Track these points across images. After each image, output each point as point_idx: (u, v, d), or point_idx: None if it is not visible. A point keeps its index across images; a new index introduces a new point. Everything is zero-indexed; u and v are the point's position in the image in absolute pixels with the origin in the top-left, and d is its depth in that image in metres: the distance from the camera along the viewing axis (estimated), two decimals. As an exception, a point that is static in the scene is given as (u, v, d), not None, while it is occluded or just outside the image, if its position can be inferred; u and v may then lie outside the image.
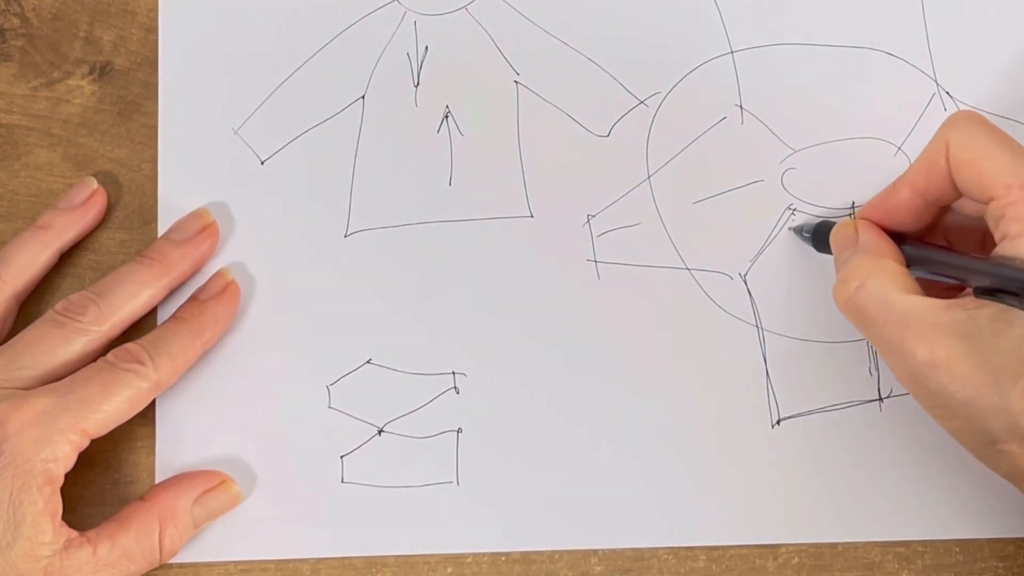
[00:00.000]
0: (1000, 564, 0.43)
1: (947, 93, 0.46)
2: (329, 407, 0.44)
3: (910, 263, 0.40)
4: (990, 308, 0.36)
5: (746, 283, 0.45)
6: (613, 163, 0.46)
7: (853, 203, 0.45)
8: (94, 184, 0.45)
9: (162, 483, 0.43)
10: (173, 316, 0.43)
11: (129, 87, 0.47)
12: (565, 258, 0.45)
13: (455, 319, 0.45)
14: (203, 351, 0.43)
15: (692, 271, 0.45)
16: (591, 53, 0.46)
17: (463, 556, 0.43)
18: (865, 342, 0.44)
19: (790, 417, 0.44)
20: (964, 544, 0.43)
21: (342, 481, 0.44)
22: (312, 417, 0.44)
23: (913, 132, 0.45)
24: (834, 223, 0.43)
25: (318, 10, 0.47)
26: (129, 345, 0.42)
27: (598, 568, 0.43)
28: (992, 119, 0.45)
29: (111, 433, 0.41)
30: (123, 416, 0.41)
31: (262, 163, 0.46)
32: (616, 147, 0.46)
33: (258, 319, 0.45)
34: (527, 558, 0.43)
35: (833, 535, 0.43)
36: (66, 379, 0.41)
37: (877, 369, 0.44)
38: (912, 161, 0.42)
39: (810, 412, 0.44)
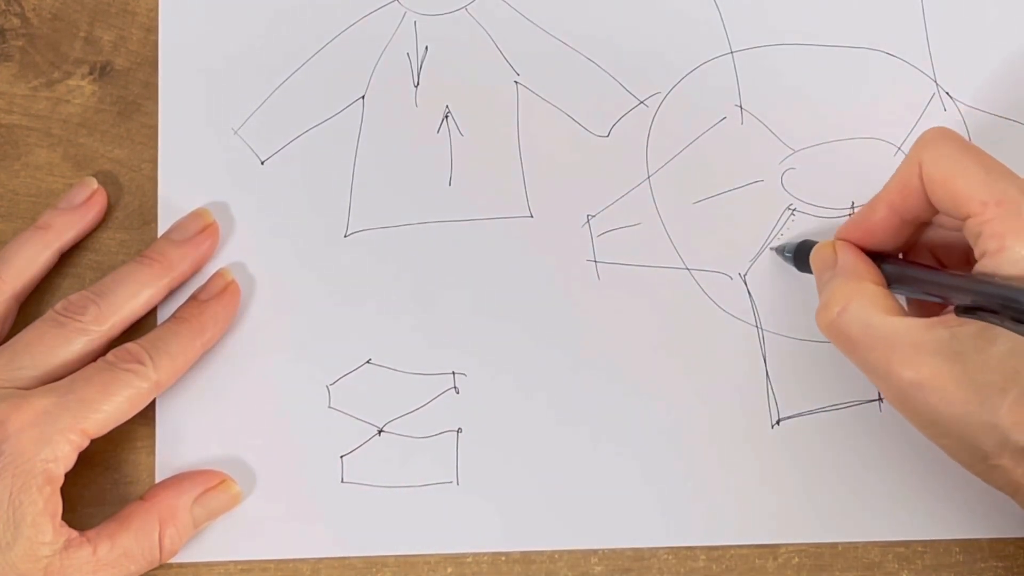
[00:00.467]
0: (1000, 564, 0.43)
1: (947, 93, 0.46)
2: (329, 407, 0.44)
3: (891, 282, 0.39)
4: (972, 325, 0.36)
5: (746, 283, 0.45)
6: (613, 163, 0.46)
7: (852, 203, 0.45)
8: (94, 184, 0.45)
9: (162, 483, 0.43)
10: (173, 316, 0.43)
11: (129, 87, 0.47)
12: (565, 258, 0.45)
13: (455, 319, 0.45)
14: (203, 351, 0.43)
15: (692, 271, 0.45)
16: (591, 53, 0.46)
17: (463, 556, 0.43)
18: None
19: (790, 417, 0.44)
20: (964, 544, 0.43)
21: (342, 481, 0.44)
22: (312, 417, 0.44)
23: (913, 132, 0.45)
24: (814, 243, 0.42)
25: (318, 10, 0.47)
26: (129, 345, 0.42)
27: (598, 568, 0.43)
28: (992, 119, 0.45)
29: (111, 433, 0.41)
30: (123, 416, 0.41)
31: (262, 163, 0.46)
32: (616, 147, 0.46)
33: (258, 319, 0.45)
34: (527, 558, 0.43)
35: (833, 535, 0.43)
36: (66, 379, 0.41)
37: (877, 369, 0.44)
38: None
39: (810, 412, 0.44)
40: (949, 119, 0.46)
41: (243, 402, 0.44)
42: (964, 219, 0.37)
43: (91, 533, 0.40)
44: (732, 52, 0.46)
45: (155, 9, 0.47)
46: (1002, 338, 0.35)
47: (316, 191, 0.46)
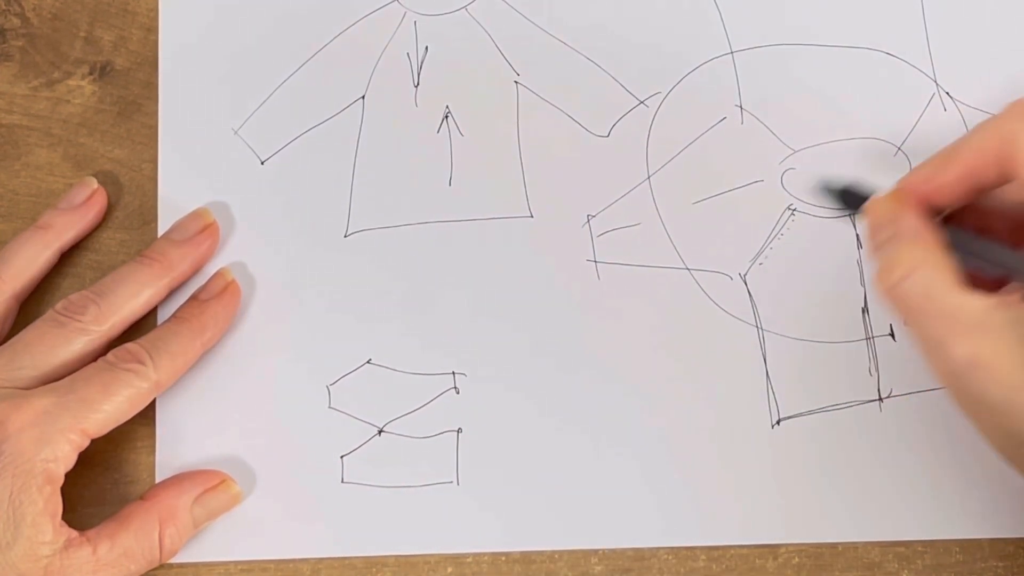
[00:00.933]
0: (1000, 564, 0.43)
1: (947, 93, 0.46)
2: (329, 407, 0.44)
3: (949, 246, 0.38)
4: None
5: (746, 283, 0.45)
6: (613, 163, 0.46)
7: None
8: (94, 184, 0.45)
9: (162, 483, 0.43)
10: (173, 316, 0.43)
11: (129, 87, 0.47)
12: (565, 258, 0.45)
13: (455, 319, 0.45)
14: (203, 351, 0.43)
15: (692, 271, 0.45)
16: (591, 53, 0.46)
17: (463, 556, 0.43)
18: (865, 342, 0.44)
19: (790, 417, 0.44)
20: (964, 544, 0.43)
21: (342, 481, 0.44)
22: (312, 417, 0.44)
23: (913, 132, 0.45)
24: (868, 188, 0.40)
25: (318, 10, 0.47)
26: (129, 345, 0.42)
27: (598, 568, 0.43)
28: (992, 119, 0.45)
29: (111, 433, 0.41)
30: (123, 416, 0.41)
31: (262, 163, 0.46)
32: (616, 147, 0.46)
33: (258, 319, 0.45)
34: (527, 558, 0.43)
35: (833, 535, 0.43)
36: (66, 379, 0.41)
37: (877, 369, 0.44)
38: (932, 153, 0.40)
39: (810, 412, 0.44)
40: (949, 119, 0.46)
41: (243, 402, 0.44)
42: None
43: (91, 533, 0.40)
44: (732, 52, 0.46)
45: (155, 9, 0.47)
46: None
47: (316, 191, 0.46)
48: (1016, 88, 0.46)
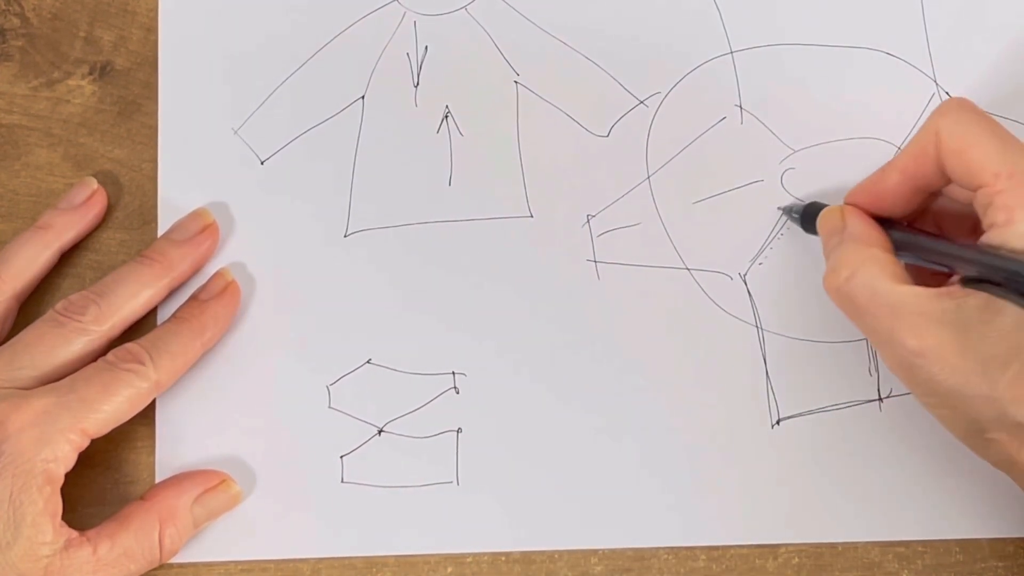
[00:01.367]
0: (1000, 564, 0.43)
1: (947, 93, 0.46)
2: (329, 407, 0.44)
3: (898, 249, 0.40)
4: (978, 297, 0.36)
5: (746, 283, 0.45)
6: (613, 163, 0.46)
7: None
8: (94, 184, 0.45)
9: (162, 483, 0.43)
10: (173, 316, 0.43)
11: (129, 87, 0.47)
12: (565, 258, 0.45)
13: (455, 319, 0.45)
14: (203, 351, 0.43)
15: (692, 271, 0.45)
16: (591, 53, 0.46)
17: (463, 556, 0.43)
18: (865, 342, 0.44)
19: (790, 417, 0.44)
20: (964, 544, 0.43)
21: (342, 481, 0.44)
22: (312, 417, 0.44)
23: (913, 132, 0.45)
24: (823, 205, 0.42)
25: (318, 10, 0.47)
26: (129, 345, 0.42)
27: (598, 568, 0.43)
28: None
29: (111, 433, 0.41)
30: (123, 416, 0.41)
31: (262, 163, 0.46)
32: (616, 147, 0.46)
33: (258, 319, 0.45)
34: (527, 558, 0.43)
35: (833, 535, 0.43)
36: (66, 379, 0.41)
37: (877, 369, 0.44)
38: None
39: (810, 412, 0.44)
40: (949, 119, 0.46)
41: (243, 402, 0.44)
42: (976, 189, 0.37)
43: (91, 533, 0.40)
44: (732, 52, 0.46)
45: (155, 9, 0.47)
46: (1007, 312, 0.35)
47: (316, 191, 0.46)
48: (1016, 88, 0.46)
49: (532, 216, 0.45)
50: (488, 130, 0.46)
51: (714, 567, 0.43)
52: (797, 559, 0.43)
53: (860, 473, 0.43)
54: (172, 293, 0.44)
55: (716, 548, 0.43)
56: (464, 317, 0.45)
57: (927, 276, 0.41)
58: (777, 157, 0.46)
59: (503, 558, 0.43)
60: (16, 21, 0.47)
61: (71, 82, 0.47)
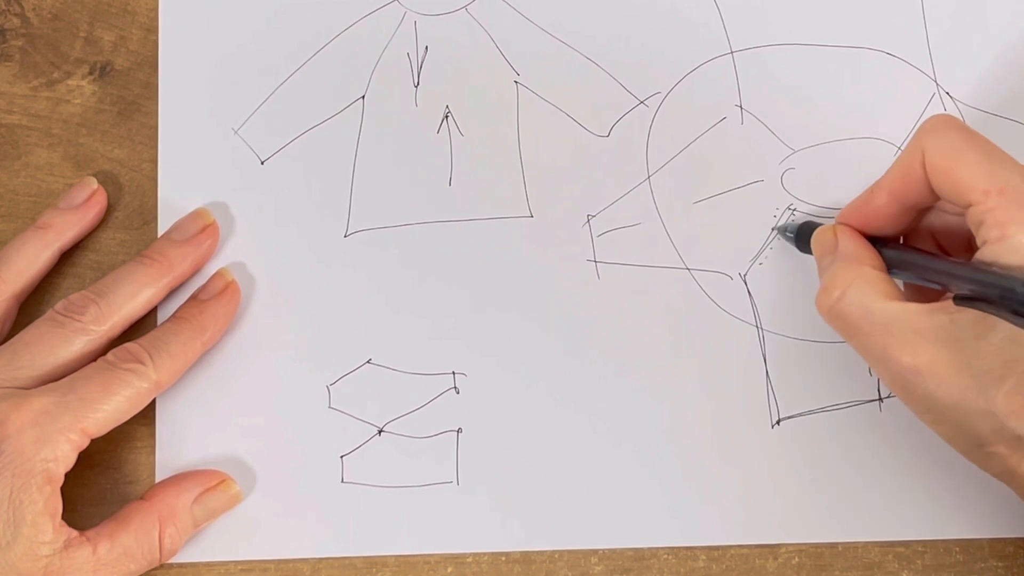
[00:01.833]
0: (1000, 564, 0.43)
1: (947, 93, 0.46)
2: (329, 407, 0.44)
3: (891, 267, 0.40)
4: (972, 312, 0.36)
5: (746, 283, 0.45)
6: (613, 163, 0.46)
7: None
8: (94, 184, 0.45)
9: (162, 482, 0.43)
10: (173, 316, 0.43)
11: (129, 87, 0.47)
12: (565, 258, 0.45)
13: (455, 319, 0.45)
14: (203, 351, 0.43)
15: (692, 271, 0.45)
16: (591, 53, 0.46)
17: (463, 556, 0.43)
18: (865, 342, 0.44)
19: (790, 417, 0.44)
20: (964, 544, 0.43)
21: (342, 481, 0.44)
22: (312, 417, 0.44)
23: (913, 132, 0.45)
24: (817, 224, 0.42)
25: (318, 10, 0.47)
26: (129, 345, 0.42)
27: (598, 568, 0.43)
28: (991, 119, 0.45)
29: (111, 433, 0.41)
30: (123, 416, 0.41)
31: (262, 163, 0.46)
32: (616, 147, 0.46)
33: (258, 319, 0.45)
34: (527, 558, 0.43)
35: (833, 535, 0.43)
36: (66, 379, 0.41)
37: (877, 369, 0.44)
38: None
39: (810, 412, 0.44)
40: (949, 119, 0.46)
41: (243, 402, 0.44)
42: (966, 207, 0.37)
43: (91, 533, 0.40)
44: (732, 52, 0.46)
45: (155, 9, 0.47)
46: (1001, 326, 0.35)
47: (316, 191, 0.46)
48: (1016, 88, 0.46)
49: (532, 216, 0.45)
50: (488, 130, 0.46)
51: (714, 567, 0.43)
52: (797, 559, 0.43)
53: (860, 473, 0.43)
54: (172, 293, 0.44)
55: (716, 548, 0.43)
56: (464, 317, 0.45)
57: (923, 294, 0.41)
58: (777, 157, 0.46)
59: (503, 558, 0.43)
60: (16, 21, 0.47)
61: (71, 82, 0.47)
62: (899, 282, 0.40)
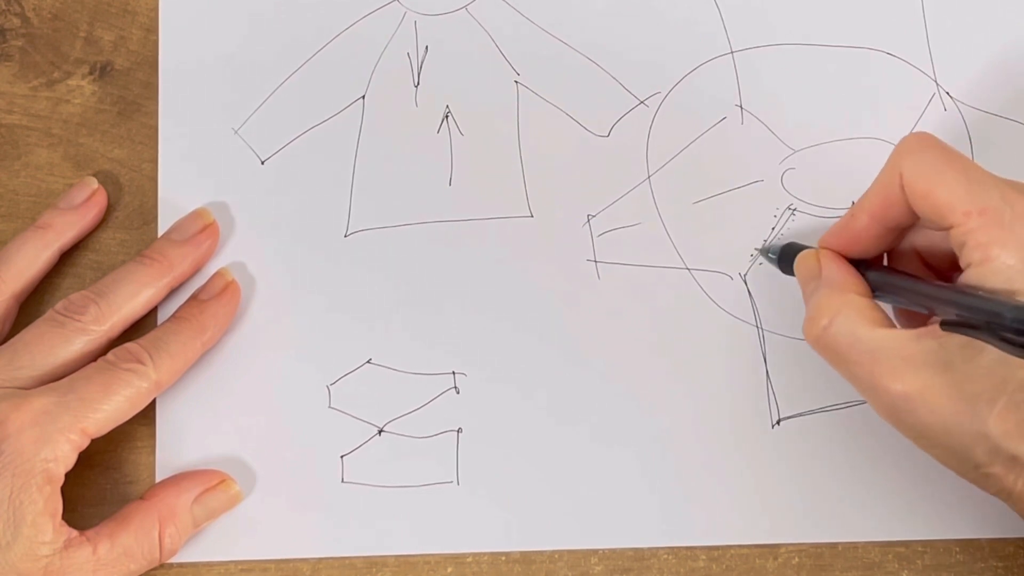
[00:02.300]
0: (1000, 564, 0.43)
1: (947, 93, 0.46)
2: (329, 407, 0.44)
3: (875, 291, 0.39)
4: (959, 335, 0.35)
5: (746, 283, 0.45)
6: (613, 163, 0.46)
7: (852, 203, 0.45)
8: (94, 184, 0.45)
9: (162, 482, 0.43)
10: (173, 316, 0.43)
11: (129, 87, 0.47)
12: (565, 258, 0.45)
13: (455, 319, 0.45)
14: (203, 351, 0.43)
15: (692, 271, 0.45)
16: (591, 53, 0.46)
17: (463, 556, 0.43)
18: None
19: (790, 417, 0.44)
20: (964, 544, 0.43)
21: (342, 481, 0.44)
22: (312, 417, 0.44)
23: (913, 132, 0.45)
24: (800, 246, 0.42)
25: (318, 10, 0.47)
26: (129, 345, 0.42)
27: (598, 568, 0.43)
28: (992, 119, 0.45)
29: (111, 433, 0.41)
30: (123, 416, 0.41)
31: (262, 163, 0.46)
32: (616, 147, 0.46)
33: (258, 319, 0.45)
34: (527, 558, 0.43)
35: (833, 535, 0.43)
36: (66, 379, 0.41)
37: (877, 369, 0.44)
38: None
39: (810, 412, 0.44)
40: (949, 119, 0.46)
41: (243, 402, 0.44)
42: (948, 229, 0.36)
43: (91, 532, 0.40)
44: (732, 52, 0.46)
45: (155, 9, 0.47)
46: (989, 347, 0.35)
47: (316, 191, 0.46)
48: (1016, 88, 0.46)
49: (532, 216, 0.45)
50: (488, 130, 0.46)
51: (714, 567, 0.43)
52: (797, 559, 0.43)
53: (860, 473, 0.43)
54: (172, 293, 0.44)
55: (716, 548, 0.43)
56: (464, 317, 0.45)
57: (910, 315, 0.41)
58: (777, 157, 0.46)
59: (503, 558, 0.43)
60: (16, 21, 0.47)
61: (71, 82, 0.47)
62: (887, 306, 0.40)
